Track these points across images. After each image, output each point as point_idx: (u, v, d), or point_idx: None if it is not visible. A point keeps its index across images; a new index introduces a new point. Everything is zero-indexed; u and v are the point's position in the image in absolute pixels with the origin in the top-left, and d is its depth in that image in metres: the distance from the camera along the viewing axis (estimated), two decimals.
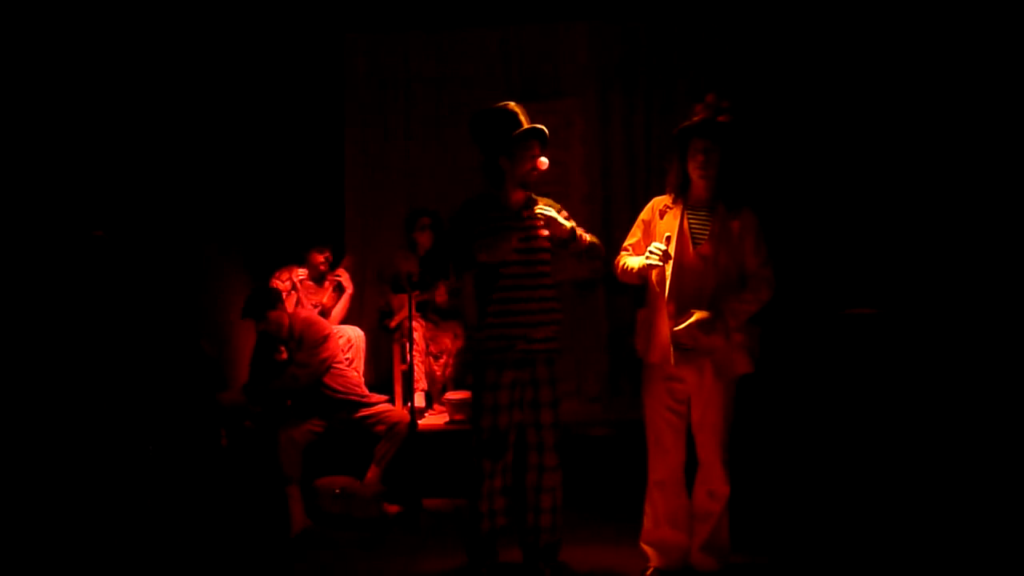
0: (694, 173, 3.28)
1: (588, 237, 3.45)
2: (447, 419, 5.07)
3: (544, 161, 3.37)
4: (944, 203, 5.00)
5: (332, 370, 4.54)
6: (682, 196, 3.33)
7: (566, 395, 5.50)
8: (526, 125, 3.34)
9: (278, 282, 5.21)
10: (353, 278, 5.51)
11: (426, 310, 5.39)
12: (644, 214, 3.43)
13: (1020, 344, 4.46)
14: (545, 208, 3.38)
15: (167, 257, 4.82)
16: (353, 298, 5.45)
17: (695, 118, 3.27)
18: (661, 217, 3.35)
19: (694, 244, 3.26)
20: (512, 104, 3.42)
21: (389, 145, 5.91)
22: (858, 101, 5.41)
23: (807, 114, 5.53)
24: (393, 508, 4.39)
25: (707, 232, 3.26)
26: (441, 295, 5.40)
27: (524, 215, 3.43)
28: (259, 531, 4.22)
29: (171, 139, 4.92)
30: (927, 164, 5.11)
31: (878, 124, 5.35)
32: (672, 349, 3.24)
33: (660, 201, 3.40)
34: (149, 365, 4.47)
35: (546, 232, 3.42)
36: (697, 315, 3.16)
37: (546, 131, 3.39)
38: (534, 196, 3.49)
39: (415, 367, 5.05)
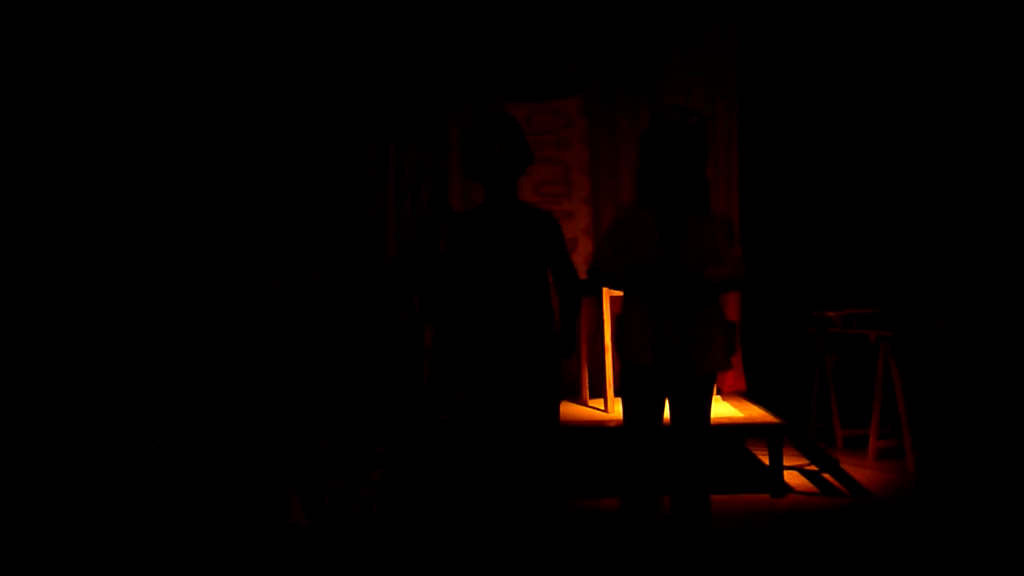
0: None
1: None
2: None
3: None
4: (943, 205, 5.04)
5: None
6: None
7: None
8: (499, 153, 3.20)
9: None
10: None
11: None
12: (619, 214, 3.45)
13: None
14: None
15: (166, 257, 4.80)
16: None
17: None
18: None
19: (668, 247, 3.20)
20: (503, 129, 3.25)
21: (394, 146, 5.85)
22: (858, 104, 5.45)
23: (809, 114, 5.56)
24: (393, 506, 4.37)
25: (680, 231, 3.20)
26: None
27: (507, 218, 3.27)
28: (258, 531, 4.19)
29: (171, 139, 4.91)
30: (926, 166, 5.15)
31: (876, 126, 5.39)
32: (655, 347, 3.19)
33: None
34: (150, 364, 4.45)
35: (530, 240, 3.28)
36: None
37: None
38: (519, 200, 3.34)
39: None
